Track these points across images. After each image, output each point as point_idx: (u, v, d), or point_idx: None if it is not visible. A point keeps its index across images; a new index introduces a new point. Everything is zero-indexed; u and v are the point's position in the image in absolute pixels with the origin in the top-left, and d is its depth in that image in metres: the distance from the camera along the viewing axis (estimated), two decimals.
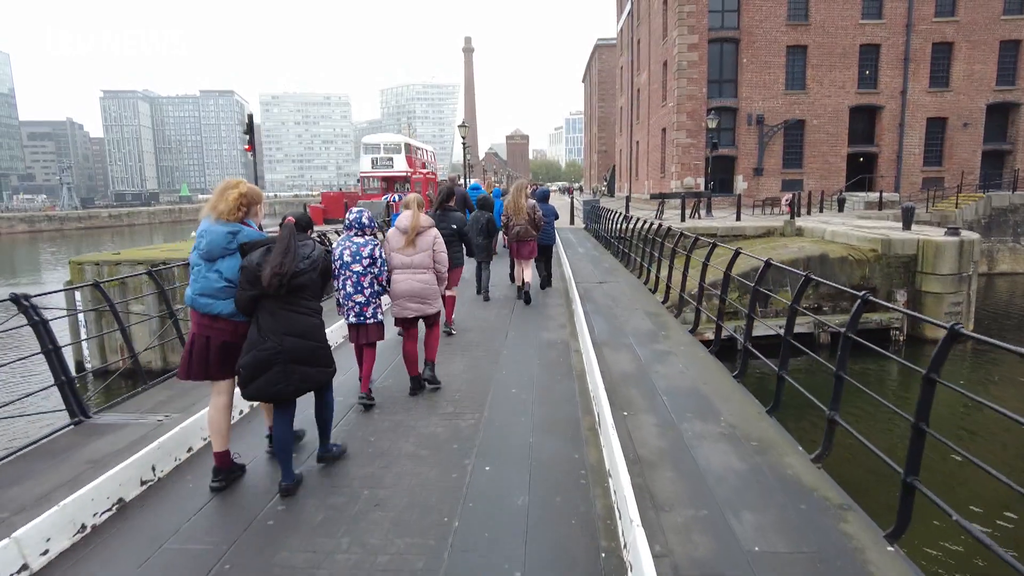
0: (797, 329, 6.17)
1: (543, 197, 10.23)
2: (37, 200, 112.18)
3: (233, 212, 3.56)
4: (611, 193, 58.35)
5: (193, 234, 3.93)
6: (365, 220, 4.73)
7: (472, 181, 20.34)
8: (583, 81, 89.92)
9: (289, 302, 3.47)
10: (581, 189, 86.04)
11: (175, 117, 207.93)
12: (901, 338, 15.17)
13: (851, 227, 18.32)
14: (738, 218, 21.21)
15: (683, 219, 20.90)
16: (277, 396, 3.50)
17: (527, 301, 9.08)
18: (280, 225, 3.62)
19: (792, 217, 20.99)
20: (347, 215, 4.73)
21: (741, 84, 30.38)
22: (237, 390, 3.73)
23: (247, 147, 16.61)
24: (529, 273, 9.17)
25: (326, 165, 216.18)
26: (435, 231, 5.32)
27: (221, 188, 3.63)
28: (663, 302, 9.28)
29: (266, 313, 3.45)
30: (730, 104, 30.30)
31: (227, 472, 3.72)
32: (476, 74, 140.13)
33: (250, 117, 16.65)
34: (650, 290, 10.37)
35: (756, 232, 19.48)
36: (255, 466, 4.03)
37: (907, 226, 17.07)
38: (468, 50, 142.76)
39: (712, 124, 23.82)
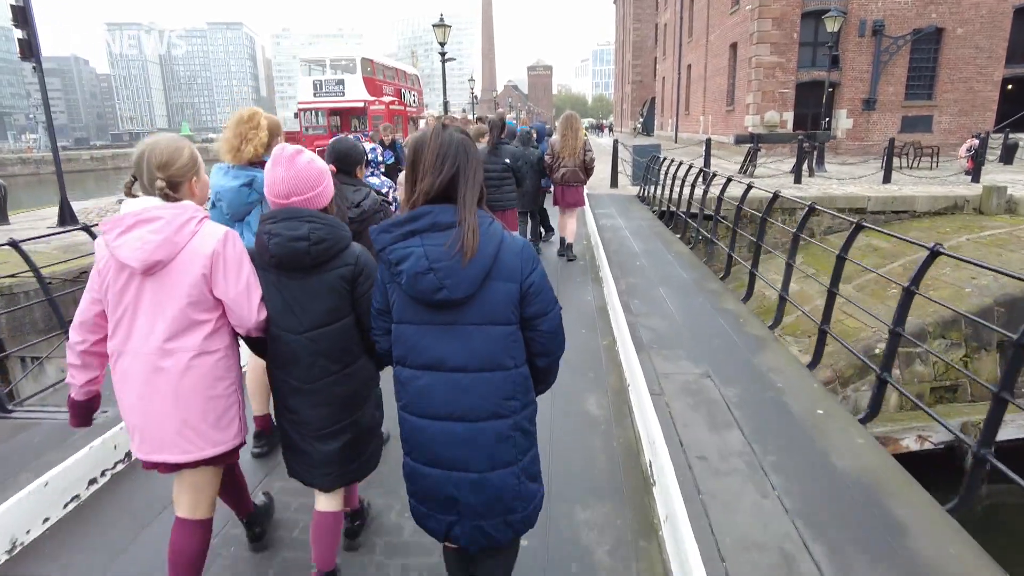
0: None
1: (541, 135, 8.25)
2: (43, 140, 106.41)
3: (259, 151, 2.97)
4: (648, 132, 48.99)
5: None
6: (380, 157, 4.99)
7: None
8: (614, 1, 78.21)
9: None
10: (611, 129, 76.09)
11: (183, 52, 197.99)
12: None
13: None
14: (886, 179, 13.02)
15: (798, 179, 12.87)
16: None
17: (570, 259, 7.66)
18: None
19: (976, 177, 12.82)
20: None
21: None
22: None
23: (19, 52, 9.22)
24: (574, 225, 7.77)
25: None
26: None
27: (234, 123, 2.93)
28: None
29: None
30: (833, 7, 21.25)
31: (269, 437, 3.36)
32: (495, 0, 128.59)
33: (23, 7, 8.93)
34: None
35: (932, 207, 11.44)
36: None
37: None
38: None
39: (833, 26, 15.32)
